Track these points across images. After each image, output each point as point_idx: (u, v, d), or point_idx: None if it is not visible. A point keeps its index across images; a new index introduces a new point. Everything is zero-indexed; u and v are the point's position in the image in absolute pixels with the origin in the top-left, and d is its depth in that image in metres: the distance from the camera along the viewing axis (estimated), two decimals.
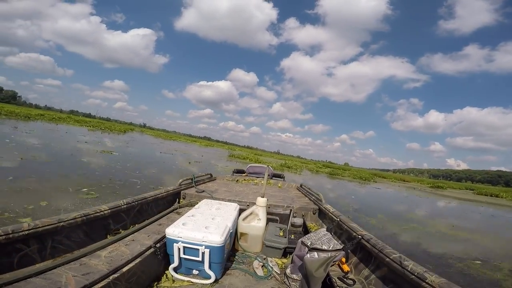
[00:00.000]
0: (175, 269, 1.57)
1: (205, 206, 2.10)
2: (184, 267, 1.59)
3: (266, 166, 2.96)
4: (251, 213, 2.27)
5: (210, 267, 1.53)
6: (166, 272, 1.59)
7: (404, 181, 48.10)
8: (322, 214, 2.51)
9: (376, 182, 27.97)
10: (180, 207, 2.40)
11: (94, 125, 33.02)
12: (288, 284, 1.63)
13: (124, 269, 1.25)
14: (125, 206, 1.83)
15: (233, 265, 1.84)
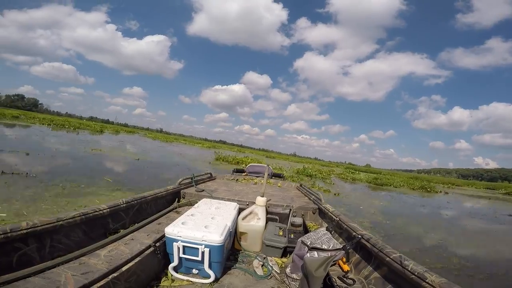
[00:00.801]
0: (175, 268, 1.57)
1: (204, 205, 2.10)
2: (184, 266, 1.58)
3: (266, 165, 2.96)
4: (250, 213, 2.27)
5: (209, 267, 1.52)
6: (165, 271, 1.58)
7: (453, 185, 38.46)
8: (322, 214, 2.51)
9: (438, 191, 18.93)
10: (180, 206, 2.40)
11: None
12: (288, 284, 1.63)
13: (124, 268, 1.24)
14: (124, 205, 1.83)
15: (232, 264, 1.83)
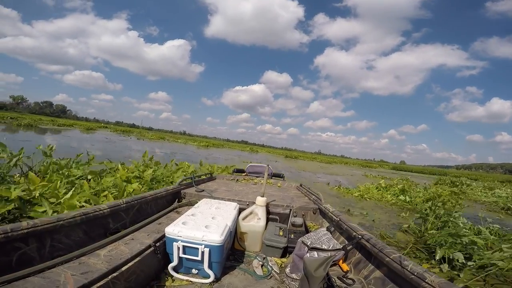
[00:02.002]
0: (175, 268, 1.57)
1: (204, 206, 2.10)
2: (184, 266, 1.58)
3: (266, 165, 2.96)
4: (250, 213, 2.27)
5: (209, 266, 1.52)
6: (165, 271, 1.58)
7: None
8: (322, 214, 2.51)
9: None
10: (180, 206, 2.40)
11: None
12: (288, 284, 1.63)
13: (123, 268, 1.25)
14: (124, 205, 1.83)
15: (232, 264, 1.83)
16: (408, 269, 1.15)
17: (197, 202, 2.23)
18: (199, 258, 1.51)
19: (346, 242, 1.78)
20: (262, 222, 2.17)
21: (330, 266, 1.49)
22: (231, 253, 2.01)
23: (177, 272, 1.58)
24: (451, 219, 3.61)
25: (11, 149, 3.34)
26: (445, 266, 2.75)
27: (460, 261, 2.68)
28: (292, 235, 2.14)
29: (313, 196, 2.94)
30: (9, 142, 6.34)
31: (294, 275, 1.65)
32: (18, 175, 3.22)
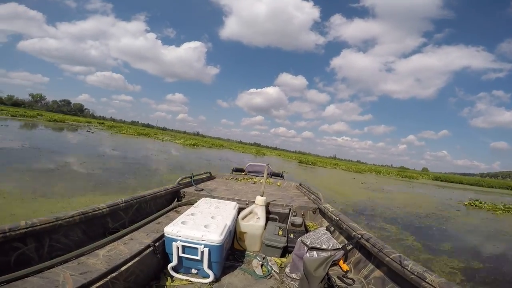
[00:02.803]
0: (174, 268, 1.56)
1: (204, 205, 2.09)
2: (183, 266, 1.58)
3: (265, 164, 2.96)
4: (250, 212, 2.26)
5: (209, 266, 1.52)
6: (164, 271, 1.58)
7: None
8: (321, 213, 2.51)
9: None
10: (179, 206, 2.39)
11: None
12: (287, 284, 1.63)
13: (123, 268, 1.24)
14: (123, 204, 1.82)
15: (232, 264, 1.83)
16: (408, 269, 1.15)
17: (196, 202, 2.23)
18: (198, 258, 1.50)
19: (346, 242, 1.77)
20: (262, 221, 2.17)
21: (330, 266, 1.49)
22: (231, 252, 2.01)
23: (177, 272, 1.57)
24: None
25: None
26: None
27: None
28: (292, 234, 2.14)
29: (313, 196, 2.94)
30: None
31: (293, 275, 1.65)
32: None
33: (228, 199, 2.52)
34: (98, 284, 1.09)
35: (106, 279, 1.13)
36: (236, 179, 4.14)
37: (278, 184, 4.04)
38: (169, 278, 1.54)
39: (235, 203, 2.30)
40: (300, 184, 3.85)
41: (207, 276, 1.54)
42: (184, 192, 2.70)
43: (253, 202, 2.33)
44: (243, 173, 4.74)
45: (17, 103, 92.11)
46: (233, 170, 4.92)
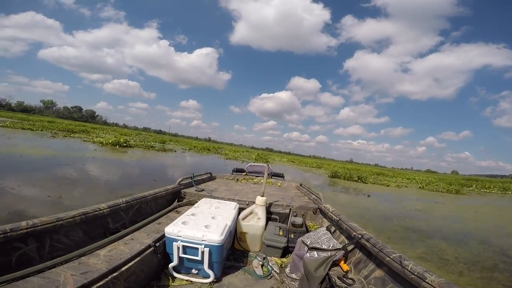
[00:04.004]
0: (175, 268, 1.57)
1: (204, 205, 2.10)
2: (184, 266, 1.58)
3: (266, 165, 2.96)
4: (250, 212, 2.26)
5: (209, 266, 1.52)
6: (165, 271, 1.58)
7: None
8: (322, 213, 2.51)
9: None
10: (180, 206, 2.40)
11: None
12: (288, 284, 1.63)
13: (123, 268, 1.24)
14: (124, 204, 1.83)
15: (232, 264, 1.83)
16: (408, 269, 1.15)
17: (197, 202, 2.23)
18: (199, 258, 1.51)
19: (346, 242, 1.77)
20: (262, 222, 2.17)
21: (330, 266, 1.49)
22: (231, 253, 2.01)
23: (177, 272, 1.58)
24: None
25: None
26: None
27: None
28: (292, 234, 2.14)
29: (313, 196, 2.94)
30: None
31: (294, 275, 1.65)
32: None
33: (229, 199, 2.52)
34: (99, 284, 1.09)
35: (106, 279, 1.13)
36: (237, 179, 4.15)
37: (279, 184, 4.04)
38: (169, 278, 1.54)
39: (236, 203, 2.30)
40: (301, 185, 3.85)
41: (208, 276, 1.55)
42: (184, 192, 2.70)
43: (254, 203, 2.33)
44: (243, 174, 4.74)
45: (26, 109, 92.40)
46: (233, 171, 4.93)
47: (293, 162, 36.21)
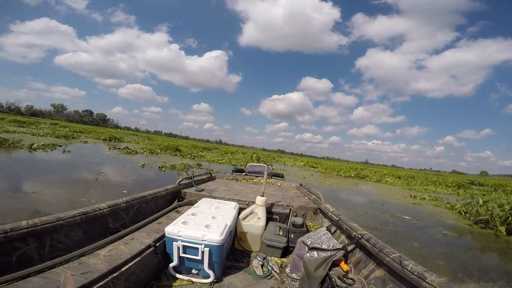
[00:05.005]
0: (175, 268, 1.57)
1: (204, 205, 2.10)
2: (184, 266, 1.58)
3: (265, 165, 2.96)
4: (250, 212, 2.26)
5: (209, 266, 1.52)
6: (165, 271, 1.58)
7: None
8: (322, 214, 2.51)
9: None
10: (180, 206, 2.40)
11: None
12: (288, 284, 1.63)
13: (123, 268, 1.24)
14: (124, 204, 1.83)
15: (232, 264, 1.83)
16: (408, 269, 1.15)
17: (197, 202, 2.23)
18: (199, 258, 1.51)
19: (346, 242, 1.78)
20: (262, 222, 2.17)
21: (330, 266, 1.49)
22: (231, 253, 2.01)
23: (177, 272, 1.58)
24: None
25: None
26: None
27: None
28: (292, 235, 2.14)
29: (313, 196, 2.94)
30: None
31: (294, 275, 1.65)
32: None
33: (229, 199, 2.53)
34: (99, 284, 1.09)
35: (107, 279, 1.13)
36: (237, 179, 4.15)
37: (279, 184, 4.04)
38: (169, 278, 1.54)
39: (236, 203, 2.30)
40: (301, 185, 3.86)
41: (208, 276, 1.54)
42: (184, 192, 2.70)
43: (254, 203, 2.33)
44: (243, 174, 4.74)
45: (35, 113, 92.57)
46: (233, 171, 4.93)
47: (313, 167, 24.99)
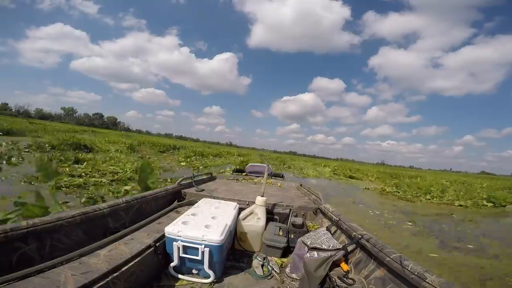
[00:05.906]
0: (175, 268, 1.57)
1: (204, 205, 2.10)
2: (184, 266, 1.58)
3: (266, 165, 2.96)
4: (251, 212, 2.26)
5: (209, 266, 1.52)
6: (165, 271, 1.58)
7: None
8: (322, 214, 2.51)
9: None
10: (180, 206, 2.40)
11: None
12: (288, 284, 1.63)
13: (124, 268, 1.24)
14: (124, 204, 1.83)
15: (232, 264, 1.83)
16: (409, 269, 1.15)
17: (197, 202, 2.23)
18: (199, 258, 1.51)
19: (346, 242, 1.78)
20: (262, 222, 2.17)
21: (331, 266, 1.49)
22: (231, 253, 2.01)
23: (178, 272, 1.58)
24: None
25: None
26: None
27: None
28: (292, 235, 2.14)
29: (313, 196, 2.94)
30: None
31: (294, 275, 1.65)
32: None
33: (229, 199, 2.53)
34: (99, 284, 1.09)
35: (107, 279, 1.13)
36: (237, 179, 4.15)
37: (279, 184, 4.04)
38: (170, 278, 1.55)
39: (236, 203, 2.30)
40: (301, 185, 3.86)
41: (208, 276, 1.55)
42: (185, 192, 2.70)
43: (254, 203, 2.33)
44: (243, 174, 4.74)
45: (44, 117, 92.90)
46: (233, 171, 4.93)
47: (353, 178, 17.72)
